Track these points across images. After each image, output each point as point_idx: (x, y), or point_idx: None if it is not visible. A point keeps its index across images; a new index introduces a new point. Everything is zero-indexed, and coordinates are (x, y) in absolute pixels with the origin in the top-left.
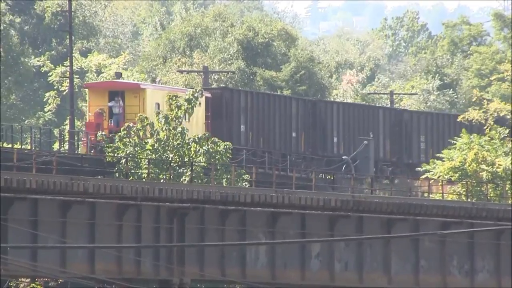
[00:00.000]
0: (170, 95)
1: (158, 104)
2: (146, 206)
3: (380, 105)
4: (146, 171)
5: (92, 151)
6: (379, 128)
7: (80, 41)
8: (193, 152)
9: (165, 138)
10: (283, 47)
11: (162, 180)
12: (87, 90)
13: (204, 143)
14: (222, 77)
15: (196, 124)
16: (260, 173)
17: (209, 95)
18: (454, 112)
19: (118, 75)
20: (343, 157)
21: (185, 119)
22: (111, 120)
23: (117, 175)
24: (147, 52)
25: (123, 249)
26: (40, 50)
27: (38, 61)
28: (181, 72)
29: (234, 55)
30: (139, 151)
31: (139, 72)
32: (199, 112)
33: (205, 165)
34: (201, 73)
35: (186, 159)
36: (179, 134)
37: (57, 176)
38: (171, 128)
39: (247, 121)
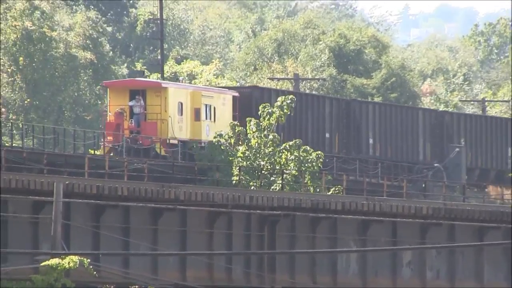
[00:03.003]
0: (195, 93)
1: (181, 104)
2: (237, 214)
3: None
4: (237, 179)
5: (112, 153)
6: (418, 130)
7: (175, 49)
8: (284, 160)
9: (256, 145)
10: (374, 54)
11: (253, 188)
12: (107, 89)
13: (295, 151)
14: (314, 85)
15: (222, 124)
16: (351, 180)
17: (236, 94)
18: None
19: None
20: (435, 164)
21: (210, 119)
22: (131, 120)
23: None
24: (237, 60)
25: (214, 257)
26: (132, 58)
27: (130, 68)
28: (272, 79)
29: (325, 62)
30: (230, 158)
31: (230, 79)
32: (226, 112)
33: (296, 173)
34: (292, 81)
35: (277, 167)
36: (270, 142)
37: (148, 183)
38: (262, 136)
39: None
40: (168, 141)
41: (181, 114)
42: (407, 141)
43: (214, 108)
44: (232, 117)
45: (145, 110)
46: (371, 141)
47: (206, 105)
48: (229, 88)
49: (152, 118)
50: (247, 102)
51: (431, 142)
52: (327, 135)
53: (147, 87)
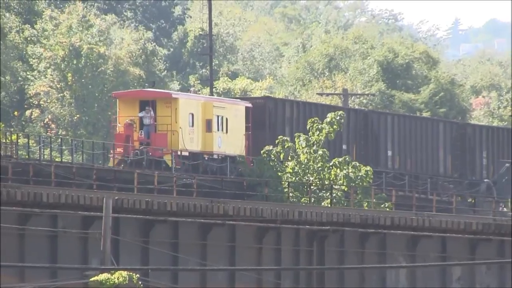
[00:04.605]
0: (206, 104)
1: (192, 115)
2: (286, 229)
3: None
4: (286, 194)
5: (122, 165)
6: (438, 142)
7: (225, 65)
8: (333, 176)
9: (305, 161)
10: (424, 69)
11: (303, 204)
12: (117, 100)
13: (345, 167)
14: (363, 100)
15: (235, 135)
16: (400, 196)
17: (249, 105)
18: None
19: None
20: (484, 180)
21: (222, 131)
22: (141, 132)
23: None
24: (287, 76)
25: (263, 272)
26: (183, 74)
27: (181, 84)
28: (321, 95)
29: (374, 77)
30: (279, 173)
31: (282, 96)
32: (238, 123)
33: (345, 189)
34: (341, 96)
35: (326, 182)
36: (319, 157)
37: (197, 198)
38: (311, 151)
39: (292, 132)
40: (180, 153)
41: (192, 125)
42: (427, 153)
43: (227, 119)
44: (245, 128)
45: (155, 121)
46: (389, 153)
47: (218, 116)
48: (242, 98)
49: (162, 130)
50: (261, 113)
51: (452, 154)
52: (344, 146)
53: (157, 97)
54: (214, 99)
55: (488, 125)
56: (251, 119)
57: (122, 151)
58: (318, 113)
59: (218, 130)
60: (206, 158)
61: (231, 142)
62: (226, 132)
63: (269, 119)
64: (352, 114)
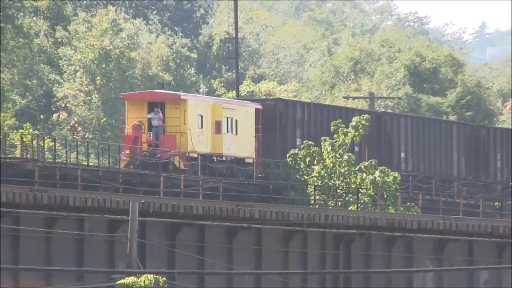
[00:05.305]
0: (215, 106)
1: (202, 116)
2: (312, 232)
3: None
4: (312, 198)
5: (131, 166)
6: (452, 144)
7: (251, 68)
8: (359, 180)
9: (331, 165)
10: (450, 72)
11: (330, 207)
12: (125, 101)
13: (371, 171)
14: (389, 103)
15: (244, 137)
16: (426, 199)
17: (259, 106)
18: None
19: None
20: (511, 183)
21: (231, 132)
22: (149, 133)
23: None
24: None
25: (289, 275)
26: (209, 77)
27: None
28: (347, 98)
29: (400, 80)
30: (305, 177)
31: (306, 99)
32: (248, 125)
33: (372, 193)
34: (367, 99)
35: (353, 186)
36: (345, 162)
37: (223, 202)
38: (337, 155)
39: (303, 134)
40: (188, 155)
41: (201, 127)
42: (440, 156)
43: (236, 121)
44: (254, 130)
45: (163, 123)
46: (403, 155)
47: (227, 117)
48: (252, 100)
49: (171, 131)
50: (271, 115)
51: (465, 156)
52: (356, 148)
53: (166, 99)
54: (224, 101)
55: (502, 127)
56: (261, 121)
57: (129, 152)
58: (329, 115)
59: (227, 132)
60: (215, 160)
61: (241, 144)
62: (236, 133)
63: (279, 120)
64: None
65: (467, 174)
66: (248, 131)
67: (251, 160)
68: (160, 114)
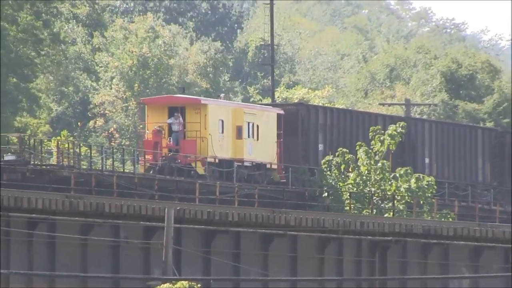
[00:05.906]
0: (236, 111)
1: (222, 121)
2: (348, 239)
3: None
4: (348, 205)
5: (151, 171)
6: (477, 150)
7: (287, 75)
8: (394, 187)
9: (366, 172)
10: (487, 79)
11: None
12: (145, 106)
13: (406, 179)
14: (425, 109)
15: (266, 142)
16: (462, 206)
17: (281, 111)
18: None
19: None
20: None
21: (253, 137)
22: (170, 138)
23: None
24: (348, 86)
25: (324, 282)
26: (245, 84)
27: (243, 94)
28: (383, 105)
29: (437, 87)
30: (340, 184)
31: (341, 105)
32: (270, 130)
33: (408, 199)
34: (403, 106)
35: (388, 193)
36: (380, 169)
37: (259, 209)
38: (372, 162)
39: (326, 140)
40: (215, 160)
41: (222, 132)
42: (465, 161)
43: (257, 126)
44: (276, 135)
45: (184, 128)
46: (427, 160)
47: (248, 122)
48: (274, 105)
49: (192, 136)
50: (293, 120)
51: (490, 162)
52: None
53: (186, 104)
54: (245, 106)
55: None
56: (283, 126)
57: (150, 158)
58: (352, 120)
59: (248, 137)
60: (236, 166)
61: (262, 149)
62: (257, 139)
63: (301, 126)
64: (388, 120)
65: (492, 179)
66: (269, 136)
67: (274, 166)
68: (181, 119)
